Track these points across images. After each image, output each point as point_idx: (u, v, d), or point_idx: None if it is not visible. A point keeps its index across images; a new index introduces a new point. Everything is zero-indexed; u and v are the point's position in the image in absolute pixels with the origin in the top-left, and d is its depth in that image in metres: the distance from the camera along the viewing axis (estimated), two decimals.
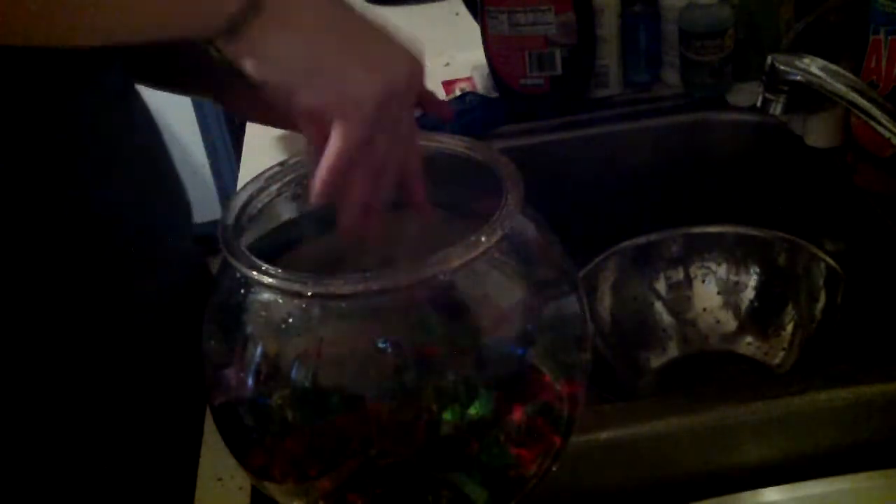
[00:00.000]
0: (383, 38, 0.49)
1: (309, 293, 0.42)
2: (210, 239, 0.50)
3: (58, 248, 0.58)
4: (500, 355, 0.45)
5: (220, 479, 0.57)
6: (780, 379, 0.74)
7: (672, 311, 0.82)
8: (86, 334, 0.63)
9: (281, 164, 0.50)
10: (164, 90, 0.74)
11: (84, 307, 0.62)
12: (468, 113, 0.95)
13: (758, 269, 0.81)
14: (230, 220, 0.46)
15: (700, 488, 0.55)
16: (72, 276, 0.60)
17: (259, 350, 0.45)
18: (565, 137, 0.93)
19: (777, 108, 0.66)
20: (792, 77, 0.64)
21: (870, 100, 0.61)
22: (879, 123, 0.61)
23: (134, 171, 0.64)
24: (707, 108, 0.93)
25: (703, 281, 0.82)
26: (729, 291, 0.81)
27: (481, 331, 0.45)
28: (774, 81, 0.65)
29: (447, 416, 0.43)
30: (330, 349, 0.45)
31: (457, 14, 1.22)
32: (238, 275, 0.44)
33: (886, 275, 0.74)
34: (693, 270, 0.82)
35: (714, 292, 0.82)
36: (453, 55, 1.09)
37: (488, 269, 0.44)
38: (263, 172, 0.50)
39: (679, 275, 0.82)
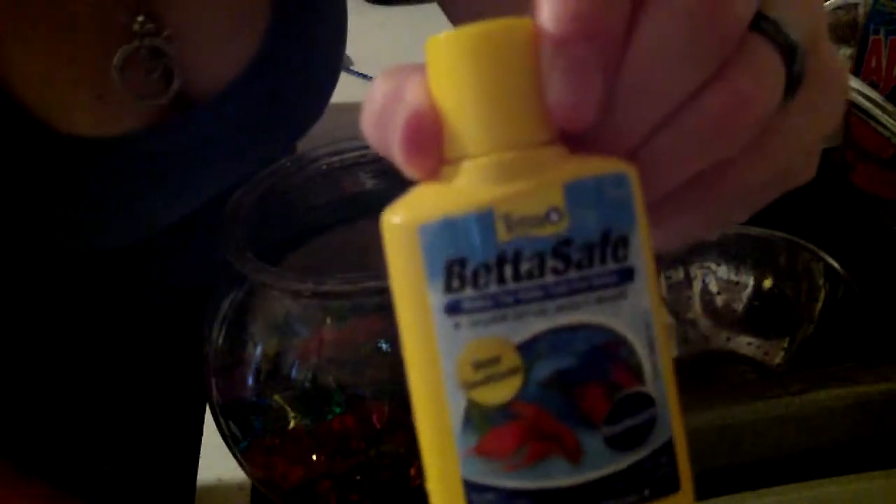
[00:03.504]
0: None
1: (309, 293, 0.42)
2: None
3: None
4: None
5: (220, 479, 0.57)
6: (780, 379, 0.74)
7: (672, 311, 0.81)
8: (92, 329, 0.63)
9: (281, 163, 0.50)
10: None
11: (95, 299, 0.62)
12: None
13: (758, 269, 0.81)
14: (230, 220, 0.46)
15: (700, 488, 0.55)
16: (86, 268, 0.60)
17: (259, 350, 0.45)
18: None
19: None
20: None
21: (870, 100, 0.61)
22: (879, 123, 0.60)
23: None
24: None
25: (703, 281, 0.82)
26: (729, 291, 0.81)
27: None
28: None
29: None
30: (330, 349, 0.45)
31: None
32: (238, 274, 0.44)
33: (886, 275, 0.73)
34: (693, 270, 0.82)
35: (714, 292, 0.82)
36: None
37: None
38: (264, 172, 0.50)
39: (679, 275, 0.82)
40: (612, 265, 0.24)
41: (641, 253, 0.24)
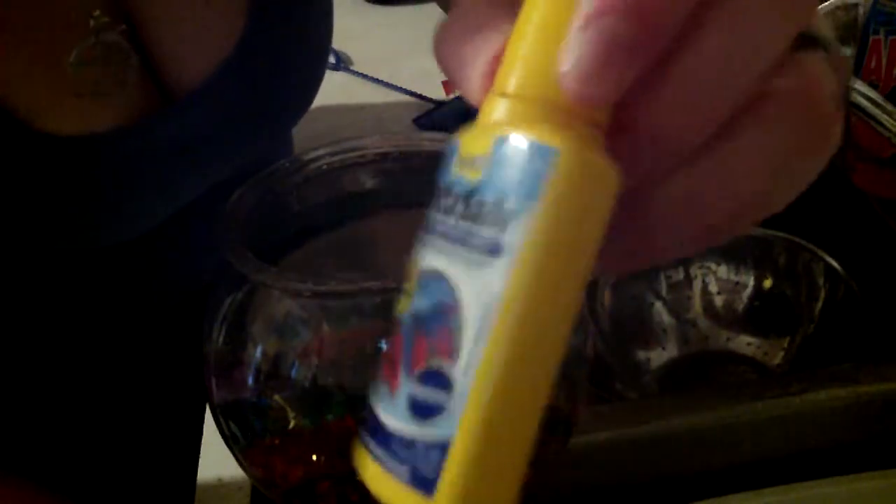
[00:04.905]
0: None
1: (309, 293, 0.42)
2: None
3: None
4: None
5: (220, 479, 0.57)
6: (780, 379, 0.74)
7: (672, 311, 0.81)
8: (91, 329, 0.63)
9: (281, 163, 0.50)
10: None
11: (102, 296, 0.62)
12: (468, 113, 0.95)
13: (758, 269, 0.81)
14: (230, 219, 0.46)
15: (700, 488, 0.55)
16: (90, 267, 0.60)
17: (259, 350, 0.45)
18: None
19: None
20: None
21: (870, 100, 0.61)
22: (879, 123, 0.61)
23: None
24: None
25: (703, 281, 0.82)
26: (729, 291, 0.81)
27: None
28: None
29: None
30: (330, 349, 0.45)
31: None
32: (238, 274, 0.44)
33: (886, 275, 0.73)
34: (693, 270, 0.82)
35: (714, 292, 0.82)
36: None
37: None
38: (263, 172, 0.50)
39: (679, 275, 0.82)
40: (487, 232, 0.22)
41: (524, 237, 0.21)
